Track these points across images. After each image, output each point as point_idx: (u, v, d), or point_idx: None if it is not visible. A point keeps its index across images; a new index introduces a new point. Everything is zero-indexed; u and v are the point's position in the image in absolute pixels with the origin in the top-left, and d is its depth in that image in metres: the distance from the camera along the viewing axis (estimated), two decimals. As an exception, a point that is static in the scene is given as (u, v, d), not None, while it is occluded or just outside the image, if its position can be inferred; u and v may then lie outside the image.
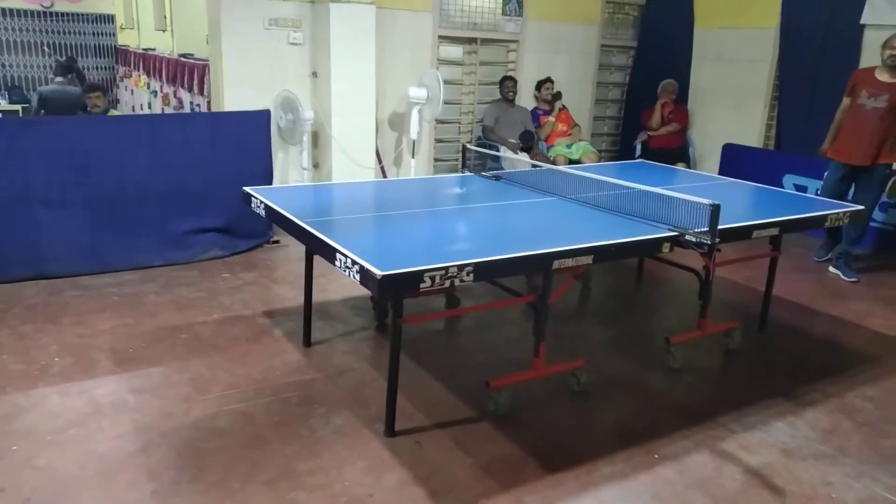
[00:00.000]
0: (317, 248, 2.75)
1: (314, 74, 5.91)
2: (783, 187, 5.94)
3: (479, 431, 2.84)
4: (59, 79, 7.85)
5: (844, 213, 3.54)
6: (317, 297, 3.94)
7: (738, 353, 3.72)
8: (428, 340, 3.72)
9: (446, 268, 2.36)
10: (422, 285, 2.33)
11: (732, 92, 6.95)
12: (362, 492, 2.43)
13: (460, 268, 2.40)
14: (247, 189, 3.45)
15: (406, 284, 2.35)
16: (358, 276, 2.36)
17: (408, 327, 3.72)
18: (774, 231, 3.35)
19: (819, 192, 5.10)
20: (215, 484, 2.43)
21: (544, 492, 2.46)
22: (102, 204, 4.52)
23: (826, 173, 5.13)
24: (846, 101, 4.94)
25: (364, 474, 2.52)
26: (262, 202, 3.24)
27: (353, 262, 2.38)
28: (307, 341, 3.57)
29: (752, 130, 6.82)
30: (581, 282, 4.72)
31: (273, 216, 3.15)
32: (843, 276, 5.01)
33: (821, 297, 4.63)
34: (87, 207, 4.47)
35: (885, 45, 4.67)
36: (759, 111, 6.79)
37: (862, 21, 5.73)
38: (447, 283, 2.38)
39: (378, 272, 2.26)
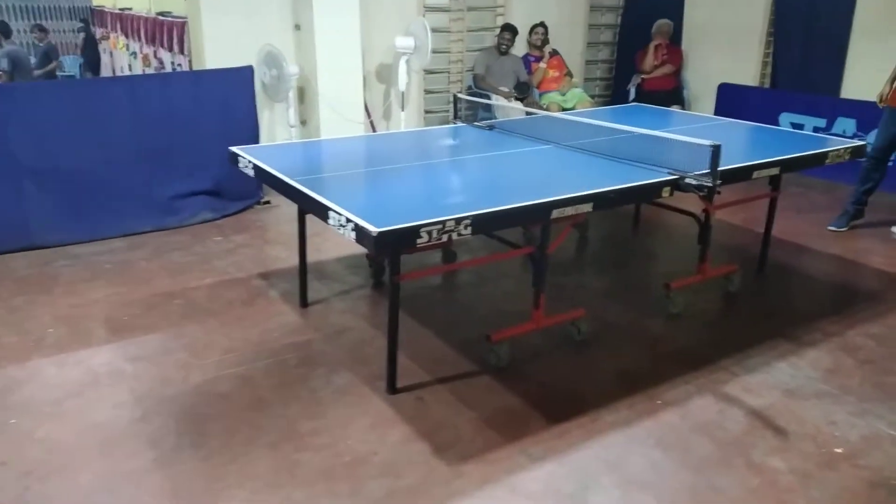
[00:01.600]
0: (309, 207, 2.68)
1: (297, 27, 5.73)
2: (779, 126, 5.84)
3: (481, 385, 2.82)
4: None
5: (845, 149, 3.47)
6: (311, 256, 3.88)
7: (738, 295, 3.70)
8: (426, 296, 3.68)
9: (443, 222, 2.31)
10: (419, 241, 2.28)
11: (727, 30, 6.77)
12: (367, 449, 2.42)
13: (458, 221, 2.34)
14: (233, 149, 3.36)
15: (403, 240, 2.29)
16: (353, 235, 2.30)
17: (405, 284, 3.67)
18: (775, 171, 3.29)
19: (868, 150, 4.38)
20: (217, 449, 2.41)
21: (549, 442, 2.45)
22: (87, 171, 4.41)
23: (880, 124, 4.62)
24: None
25: (367, 432, 2.51)
26: (249, 162, 3.15)
27: (348, 220, 2.32)
28: (304, 302, 3.53)
29: (747, 69, 6.67)
30: (578, 231, 4.66)
31: (262, 176, 3.07)
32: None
33: (819, 236, 4.58)
34: (71, 175, 4.36)
35: None
36: (755, 49, 6.62)
37: (860, -49, 5.54)
38: (445, 238, 2.33)
39: (374, 229, 2.20)
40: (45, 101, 4.24)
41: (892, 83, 4.51)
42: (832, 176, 5.29)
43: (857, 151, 3.53)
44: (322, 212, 2.49)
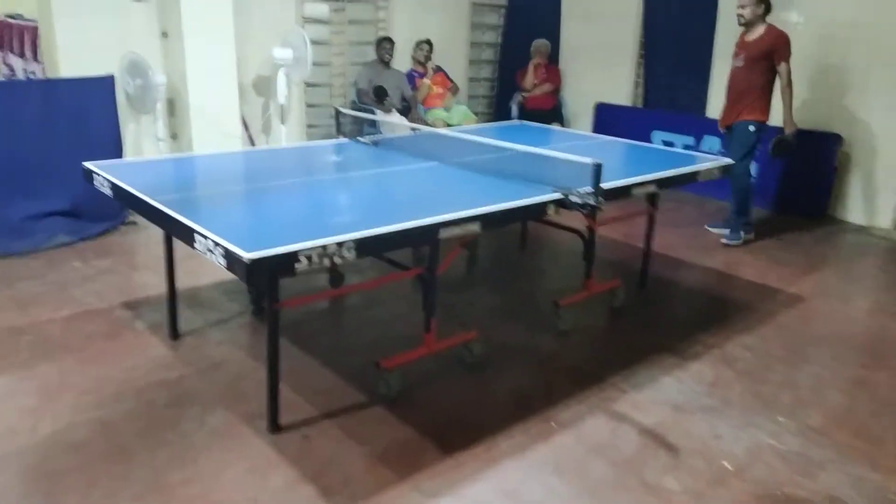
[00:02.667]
0: (173, 230, 2.43)
1: (164, 35, 5.35)
2: (652, 143, 6.11)
3: (371, 417, 2.67)
4: None
5: (716, 167, 3.63)
6: (184, 282, 3.58)
7: (622, 310, 3.77)
8: (311, 322, 3.48)
9: (324, 245, 2.14)
10: (297, 266, 2.10)
11: (601, 50, 7.04)
12: (244, 497, 2.19)
13: (340, 245, 2.18)
14: (87, 164, 3.02)
15: (279, 267, 2.10)
16: (223, 261, 2.08)
17: (287, 310, 3.47)
18: (652, 188, 3.37)
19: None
20: (70, 510, 2.11)
21: (444, 474, 2.33)
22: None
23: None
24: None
25: (246, 477, 2.29)
26: (106, 179, 2.84)
27: (216, 244, 2.10)
28: (174, 333, 3.22)
29: (621, 88, 6.96)
30: (468, 249, 4.61)
31: (121, 196, 2.76)
32: (725, 238, 4.95)
33: (695, 250, 4.79)
34: None
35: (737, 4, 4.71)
36: (628, 69, 6.93)
37: (720, -22, 5.92)
38: (326, 263, 2.16)
39: (245, 255, 2.00)
40: None
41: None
42: (702, 191, 5.57)
43: (725, 169, 3.71)
44: (188, 235, 2.25)
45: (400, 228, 2.37)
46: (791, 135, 4.72)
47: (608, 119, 6.76)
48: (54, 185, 4.29)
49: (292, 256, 2.08)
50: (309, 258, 2.12)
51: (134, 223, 4.75)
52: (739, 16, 4.69)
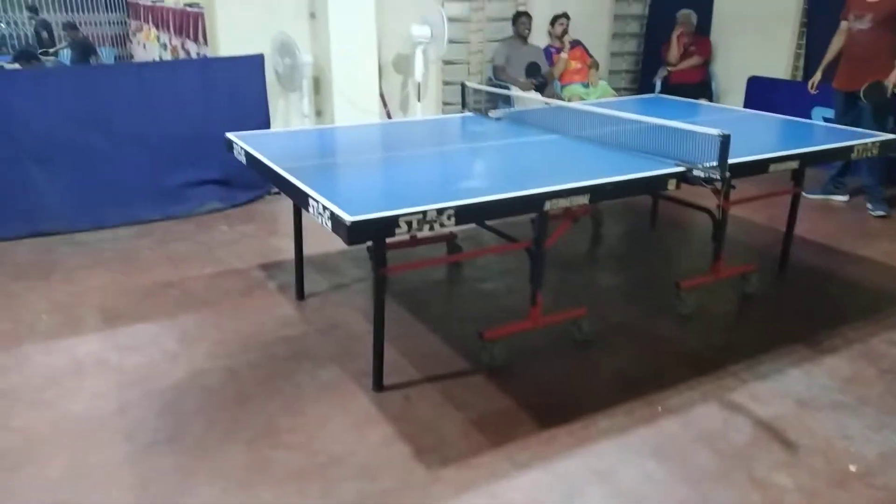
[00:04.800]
0: (293, 195, 2.58)
1: (312, 16, 5.64)
2: (812, 119, 5.55)
3: (472, 385, 2.70)
4: None
5: (873, 142, 3.24)
6: (314, 248, 3.81)
7: (755, 297, 3.50)
8: (425, 290, 3.57)
9: (424, 212, 2.18)
10: (397, 231, 2.16)
11: (758, 20, 6.48)
12: (344, 449, 2.31)
13: (440, 212, 2.21)
14: (229, 135, 3.28)
15: (380, 230, 2.18)
16: (329, 224, 2.19)
17: (405, 277, 3.59)
18: (794, 164, 3.08)
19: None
20: (192, 444, 2.33)
21: (536, 448, 2.31)
22: (95, 158, 4.40)
23: (834, 107, 4.87)
24: (843, 24, 4.72)
25: (347, 431, 2.41)
26: (242, 149, 3.07)
27: (325, 208, 2.21)
28: (300, 294, 3.44)
29: (779, 61, 6.38)
30: (592, 225, 4.50)
31: (253, 163, 2.98)
32: (870, 210, 4.73)
33: (846, 235, 4.34)
34: (79, 162, 4.36)
35: None
36: (788, 39, 6.32)
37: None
38: (426, 229, 2.20)
39: (348, 217, 2.09)
40: (52, 88, 4.24)
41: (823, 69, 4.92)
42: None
43: (887, 145, 3.29)
44: (304, 200, 2.39)
45: (501, 197, 2.36)
46: (891, 85, 4.46)
47: (762, 94, 6.22)
48: (209, 156, 4.68)
49: (392, 221, 2.14)
50: (409, 224, 2.17)
51: (278, 193, 5.10)
52: None
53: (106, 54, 12.26)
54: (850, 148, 3.20)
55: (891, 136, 3.39)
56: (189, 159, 4.67)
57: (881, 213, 4.69)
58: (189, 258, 3.96)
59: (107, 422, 2.46)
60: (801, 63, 6.31)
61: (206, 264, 3.87)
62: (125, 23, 13.02)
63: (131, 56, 12.52)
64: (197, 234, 4.34)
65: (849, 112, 4.74)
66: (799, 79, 6.31)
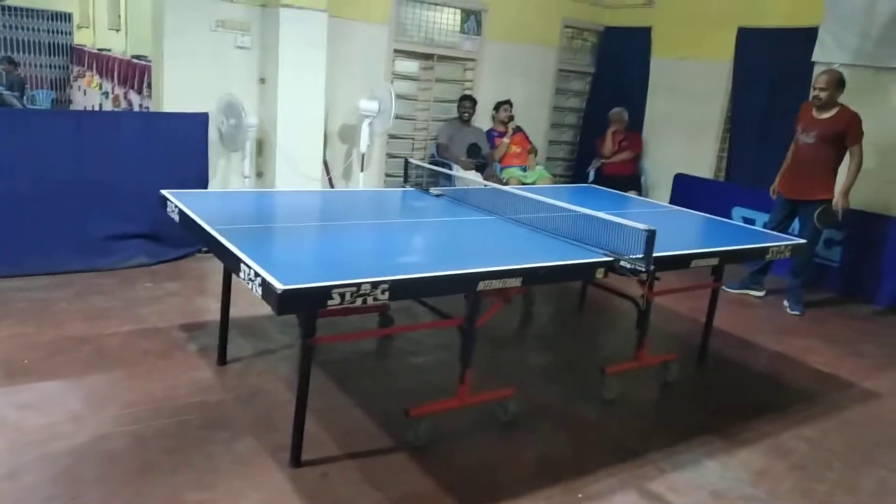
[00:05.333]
0: (224, 258, 2.53)
1: (262, 80, 5.70)
2: (731, 219, 5.90)
3: (393, 463, 2.64)
4: None
5: (786, 245, 3.46)
6: (243, 311, 3.73)
7: (675, 386, 3.60)
8: (354, 362, 3.51)
9: (358, 284, 2.17)
10: (330, 302, 2.14)
11: (686, 122, 6.95)
12: (254, 528, 2.20)
13: (374, 285, 2.21)
14: (164, 192, 3.22)
15: (312, 301, 2.15)
16: (260, 290, 2.15)
17: (335, 348, 3.54)
18: (714, 261, 3.25)
19: (765, 226, 5.05)
20: (88, 516, 2.18)
21: (455, 533, 2.26)
22: (18, 202, 4.23)
23: (774, 208, 5.15)
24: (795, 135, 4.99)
25: (259, 508, 2.30)
26: (176, 207, 3.01)
27: (256, 274, 2.18)
28: (222, 359, 3.33)
29: (704, 161, 6.81)
30: (524, 305, 4.57)
31: (186, 223, 2.92)
32: (788, 308, 4.98)
33: (763, 331, 4.55)
34: (1, 205, 4.16)
35: (813, 82, 4.75)
36: (711, 142, 6.79)
37: (813, 58, 5.76)
38: (359, 301, 2.19)
39: (279, 286, 2.06)
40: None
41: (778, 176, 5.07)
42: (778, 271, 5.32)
43: (797, 249, 3.53)
44: (235, 264, 2.35)
45: (436, 275, 2.38)
46: (840, 209, 4.71)
47: (688, 190, 6.60)
48: (140, 210, 4.57)
49: (325, 292, 2.12)
50: (342, 295, 2.16)
51: (209, 252, 4.98)
52: (816, 97, 4.71)
53: (44, 97, 11.99)
54: (766, 249, 3.41)
55: (801, 241, 3.64)
56: (119, 211, 4.55)
57: (797, 312, 4.94)
58: (107, 314, 3.79)
59: (-6, 488, 2.27)
60: (724, 165, 6.75)
61: (124, 321, 3.71)
62: (68, 67, 12.83)
63: (70, 100, 12.28)
64: (119, 289, 4.17)
65: (786, 216, 4.97)
66: (721, 179, 6.74)
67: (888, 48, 5.32)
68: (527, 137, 6.97)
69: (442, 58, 6.84)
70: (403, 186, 4.23)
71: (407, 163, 4.31)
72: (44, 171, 4.29)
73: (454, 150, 6.49)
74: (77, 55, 12.27)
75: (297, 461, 2.55)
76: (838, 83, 4.65)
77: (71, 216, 4.41)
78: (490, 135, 6.79)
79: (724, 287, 5.05)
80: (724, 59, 6.55)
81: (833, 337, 4.54)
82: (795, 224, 5.07)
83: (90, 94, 10.75)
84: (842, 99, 4.73)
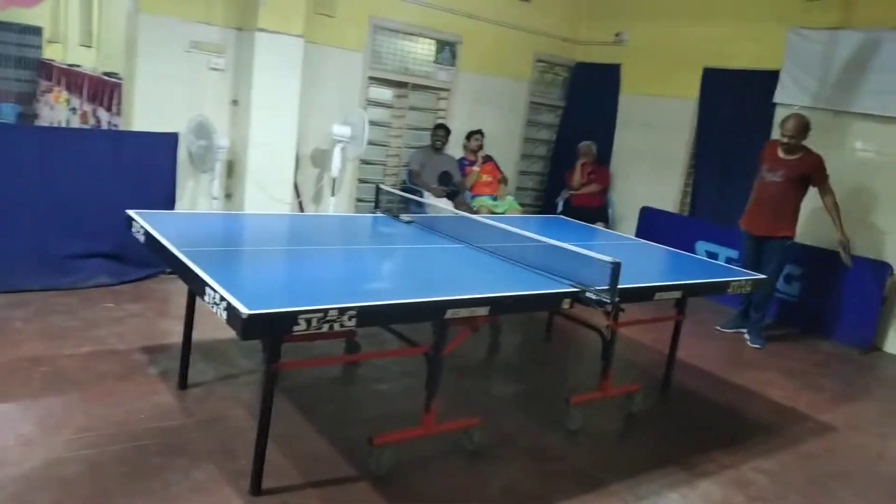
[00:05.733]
0: (189, 281, 2.50)
1: (234, 102, 5.69)
2: (695, 253, 6.02)
3: (355, 493, 2.60)
4: None
5: (747, 280, 3.55)
6: (206, 334, 3.67)
7: (638, 416, 3.63)
8: (318, 388, 3.48)
9: (325, 310, 2.16)
10: (295, 328, 2.12)
11: (653, 157, 7.11)
12: (210, 559, 2.14)
13: (341, 311, 2.20)
14: (129, 212, 3.18)
15: (277, 326, 2.13)
16: (225, 315, 2.13)
17: (300, 374, 3.50)
18: (677, 294, 3.31)
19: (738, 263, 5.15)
20: (36, 545, 2.10)
21: (416, 564, 2.24)
22: (-25, 218, 4.13)
23: (741, 247, 5.26)
24: (759, 171, 5.12)
25: (216, 538, 2.24)
26: (141, 227, 2.97)
27: (221, 298, 2.15)
28: (183, 383, 3.26)
29: (669, 195, 6.96)
30: (490, 335, 4.58)
31: (151, 244, 2.88)
32: (749, 341, 5.08)
33: (725, 363, 4.63)
34: (-45, 221, 4.07)
35: (781, 126, 4.90)
36: (677, 177, 6.95)
37: (774, 100, 5.97)
38: (326, 328, 2.18)
39: (245, 310, 2.04)
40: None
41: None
42: (731, 303, 5.43)
43: (757, 284, 3.61)
44: (200, 287, 2.32)
45: (404, 302, 2.38)
46: (846, 245, 4.88)
47: (653, 223, 6.72)
48: (105, 228, 4.49)
49: (291, 318, 2.11)
50: (308, 321, 2.14)
51: (173, 273, 4.91)
52: (785, 144, 4.85)
53: (8, 111, 11.79)
54: (727, 283, 3.49)
55: (762, 276, 3.73)
56: (82, 230, 4.47)
57: (758, 346, 5.04)
58: (66, 334, 3.70)
59: (-63, 515, 2.18)
60: (688, 200, 6.90)
61: (83, 342, 3.62)
62: (35, 81, 12.64)
63: (36, 115, 12.08)
64: (79, 308, 4.08)
65: (753, 252, 5.03)
66: (685, 213, 6.89)
67: (845, 93, 5.54)
68: (497, 167, 7.05)
69: (416, 86, 6.91)
70: (374, 212, 4.23)
71: (378, 189, 4.33)
72: (6, 186, 4.21)
73: (426, 177, 6.53)
74: (45, 69, 12.11)
75: (257, 489, 2.50)
76: (805, 128, 4.79)
77: (32, 233, 4.32)
78: (461, 163, 6.84)
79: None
80: (691, 97, 6.74)
81: (792, 371, 4.63)
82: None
83: (57, 109, 10.59)
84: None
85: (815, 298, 5.54)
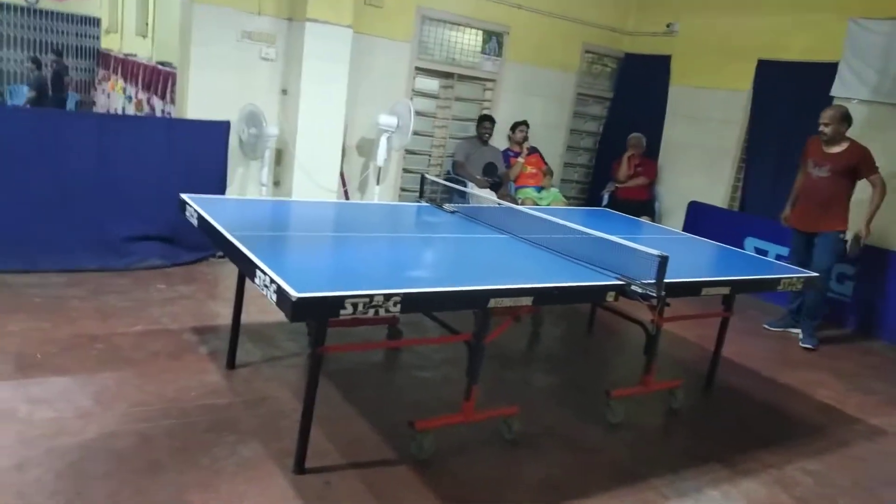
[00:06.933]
0: (240, 263, 2.57)
1: (284, 92, 5.78)
2: (744, 249, 5.89)
3: (396, 475, 2.65)
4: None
5: (798, 278, 3.46)
6: (252, 317, 3.76)
7: (680, 412, 3.58)
8: (362, 372, 3.53)
9: (371, 296, 2.20)
10: (342, 312, 2.16)
11: (703, 150, 6.97)
12: (255, 532, 2.21)
13: (387, 297, 2.23)
14: (184, 196, 3.27)
15: (325, 310, 2.18)
16: (275, 297, 2.18)
17: (343, 358, 3.56)
18: (725, 290, 3.26)
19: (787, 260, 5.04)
20: (92, 512, 2.20)
21: (454, 548, 2.27)
22: (37, 200, 4.31)
23: (791, 244, 5.17)
24: (803, 168, 5.02)
25: (261, 513, 2.31)
26: (195, 211, 3.06)
27: (272, 281, 2.21)
28: (231, 363, 3.36)
29: (718, 190, 6.82)
30: (532, 326, 4.58)
31: (204, 227, 2.97)
32: (801, 341, 4.95)
33: (771, 362, 4.53)
34: (20, 202, 4.25)
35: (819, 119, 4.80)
36: (727, 172, 6.80)
37: (832, 93, 5.78)
38: (371, 313, 2.22)
39: (294, 294, 2.09)
40: (8, 126, 4.18)
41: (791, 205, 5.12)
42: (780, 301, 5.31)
43: (809, 282, 3.52)
44: (251, 270, 2.38)
45: (448, 290, 2.41)
46: (863, 238, 4.80)
47: (701, 218, 6.60)
48: (157, 213, 4.64)
49: (338, 302, 2.15)
50: (355, 306, 2.18)
51: (223, 257, 5.04)
52: (822, 132, 4.77)
53: (70, 99, 12.21)
54: (778, 280, 3.41)
55: (814, 274, 3.63)
56: (136, 213, 4.62)
57: (809, 345, 4.90)
58: (120, 313, 3.83)
59: (0, 478, 2.30)
60: (738, 195, 6.75)
61: (136, 321, 3.75)
62: (93, 70, 13.06)
63: (94, 102, 12.48)
64: (132, 289, 4.23)
65: (803, 249, 4.97)
66: (735, 209, 6.74)
67: (907, 86, 5.34)
68: (542, 158, 7.02)
69: (462, 77, 6.91)
70: (418, 201, 4.27)
71: (423, 178, 4.36)
72: (65, 171, 4.38)
73: (470, 168, 6.54)
74: (104, 59, 12.50)
75: (300, 468, 2.56)
76: (843, 118, 4.70)
77: (89, 216, 4.48)
78: (506, 154, 6.83)
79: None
80: (743, 90, 6.57)
81: (842, 372, 4.51)
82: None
83: (114, 97, 10.93)
84: (859, 134, 4.75)
85: (868, 298, 5.37)
